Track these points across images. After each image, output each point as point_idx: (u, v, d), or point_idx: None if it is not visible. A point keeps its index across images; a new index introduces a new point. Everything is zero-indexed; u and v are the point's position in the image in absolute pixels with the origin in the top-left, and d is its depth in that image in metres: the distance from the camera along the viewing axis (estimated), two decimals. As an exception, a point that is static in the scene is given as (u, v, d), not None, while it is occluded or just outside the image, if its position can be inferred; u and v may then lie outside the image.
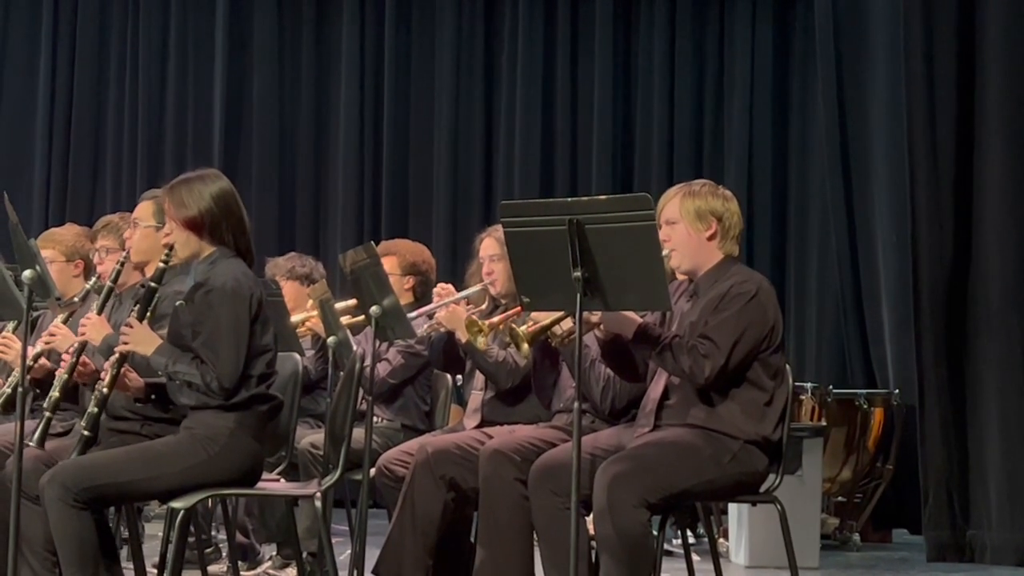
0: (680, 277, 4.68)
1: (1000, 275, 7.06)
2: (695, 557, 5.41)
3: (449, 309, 5.50)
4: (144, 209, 5.01)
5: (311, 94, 9.88)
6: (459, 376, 6.11)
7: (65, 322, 5.09)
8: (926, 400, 7.20)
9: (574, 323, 4.23)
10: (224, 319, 4.39)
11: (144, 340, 4.47)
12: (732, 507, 7.15)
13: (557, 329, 4.50)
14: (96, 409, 4.52)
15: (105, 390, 4.53)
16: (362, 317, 5.62)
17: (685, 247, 4.58)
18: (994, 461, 7.01)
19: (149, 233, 4.94)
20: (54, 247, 5.62)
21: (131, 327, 4.49)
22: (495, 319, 5.04)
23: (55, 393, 4.67)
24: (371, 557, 5.23)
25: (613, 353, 4.63)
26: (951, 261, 7.17)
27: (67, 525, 4.26)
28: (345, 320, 6.05)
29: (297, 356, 5.44)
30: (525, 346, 4.52)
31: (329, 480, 4.73)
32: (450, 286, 5.73)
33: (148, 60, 9.85)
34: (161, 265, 4.63)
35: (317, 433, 5.92)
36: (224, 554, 6.31)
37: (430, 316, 5.66)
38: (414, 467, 5.10)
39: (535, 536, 4.72)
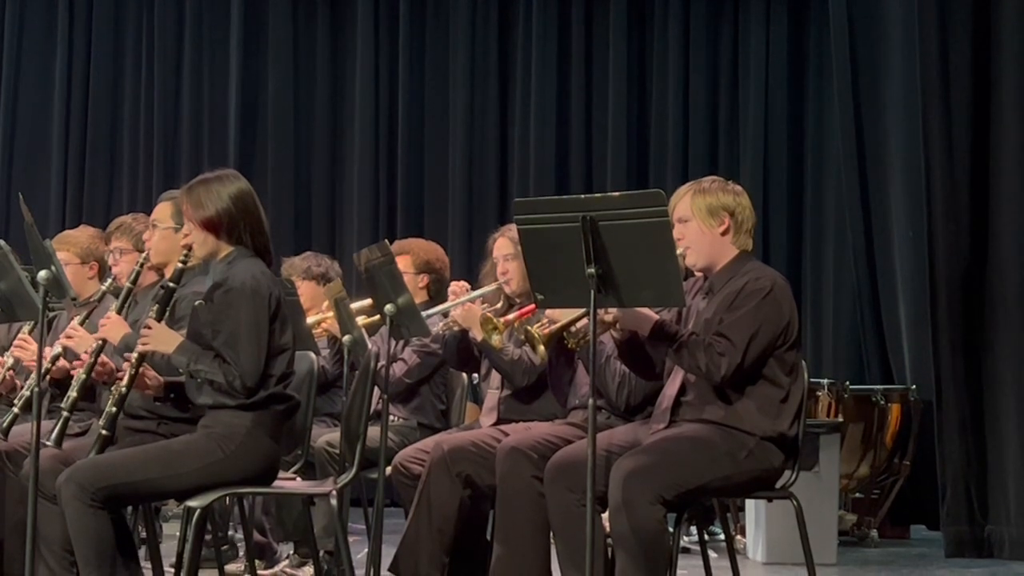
0: (696, 273, 4.68)
1: (1016, 269, 7.04)
2: (712, 554, 5.39)
3: (464, 307, 5.49)
4: (162, 210, 5.02)
5: (326, 94, 9.88)
6: (475, 374, 6.10)
7: (83, 324, 5.10)
8: (943, 395, 7.18)
9: (589, 323, 4.22)
10: (244, 318, 4.39)
11: (165, 340, 4.48)
12: (749, 503, 7.14)
13: (573, 329, 4.49)
14: (114, 408, 4.52)
15: (124, 389, 4.53)
16: (378, 317, 5.62)
17: (699, 244, 4.58)
18: (1012, 456, 7.00)
19: (168, 234, 4.96)
20: (68, 249, 5.63)
21: (150, 328, 4.50)
22: (510, 316, 5.03)
23: (73, 393, 4.66)
24: (387, 555, 5.24)
25: (630, 352, 4.63)
26: (967, 256, 7.16)
27: (84, 524, 4.27)
28: (361, 320, 6.05)
29: (313, 355, 5.43)
30: (541, 348, 4.52)
31: (345, 478, 4.73)
32: (465, 284, 5.72)
33: (163, 61, 9.85)
34: (179, 265, 4.65)
35: (333, 432, 5.93)
36: (241, 553, 6.32)
37: (445, 314, 5.66)
38: (430, 465, 5.10)
39: (551, 533, 4.72)
